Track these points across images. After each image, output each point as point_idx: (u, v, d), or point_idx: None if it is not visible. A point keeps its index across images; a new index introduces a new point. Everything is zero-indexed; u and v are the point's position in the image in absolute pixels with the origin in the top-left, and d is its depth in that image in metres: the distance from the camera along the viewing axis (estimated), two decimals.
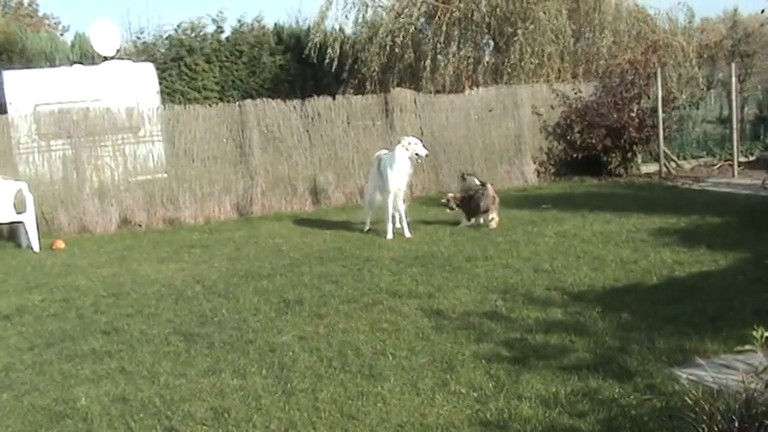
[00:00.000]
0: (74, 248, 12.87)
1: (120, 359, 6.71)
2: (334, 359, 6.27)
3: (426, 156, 12.61)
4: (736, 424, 3.87)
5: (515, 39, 18.88)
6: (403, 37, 20.12)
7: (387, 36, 20.23)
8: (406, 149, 12.15)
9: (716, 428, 3.89)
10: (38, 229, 13.12)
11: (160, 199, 15.29)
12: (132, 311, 8.31)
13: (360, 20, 21.95)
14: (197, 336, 7.22)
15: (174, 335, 7.32)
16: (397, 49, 20.26)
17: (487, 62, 20.28)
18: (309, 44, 21.70)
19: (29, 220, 12.99)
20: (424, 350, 6.35)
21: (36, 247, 12.84)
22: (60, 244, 13.11)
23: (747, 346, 4.14)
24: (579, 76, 19.30)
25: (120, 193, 15.15)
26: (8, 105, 16.11)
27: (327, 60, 21.95)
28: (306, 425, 5.04)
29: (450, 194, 13.17)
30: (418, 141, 12.42)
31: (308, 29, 25.33)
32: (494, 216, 12.28)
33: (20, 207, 13.06)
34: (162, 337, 7.29)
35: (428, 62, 20.08)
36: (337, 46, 21.35)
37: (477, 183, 12.81)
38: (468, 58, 20.17)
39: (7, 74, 17.33)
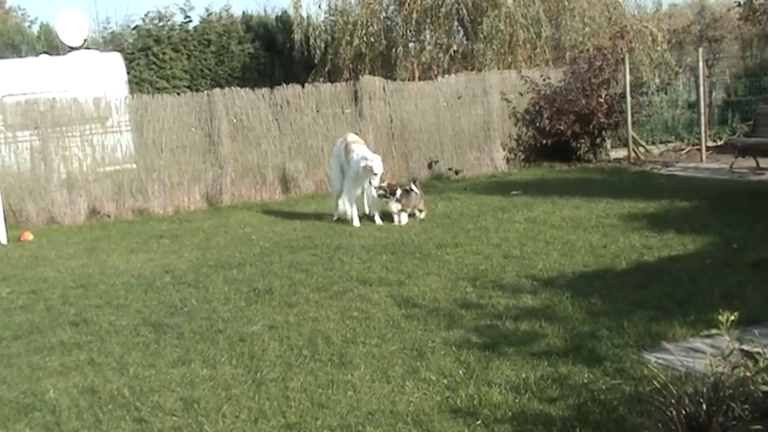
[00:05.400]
0: (42, 240, 12.74)
1: (88, 351, 6.65)
2: (304, 348, 6.25)
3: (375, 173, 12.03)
4: (704, 407, 3.89)
5: (484, 26, 18.89)
6: (374, 25, 20.07)
7: (358, 24, 20.15)
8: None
9: (684, 411, 3.91)
10: (5, 221, 12.96)
11: (129, 189, 15.17)
12: (101, 303, 8.24)
13: (331, 8, 21.86)
14: (166, 326, 7.17)
15: (143, 325, 7.27)
16: (368, 38, 20.19)
17: (456, 50, 20.24)
18: (278, 33, 21.58)
19: None
20: (395, 338, 6.36)
21: (3, 240, 12.68)
22: (28, 236, 12.96)
23: (714, 330, 4.17)
24: (550, 63, 19.34)
25: (89, 183, 15.00)
26: None
27: (298, 49, 21.87)
28: (276, 414, 5.03)
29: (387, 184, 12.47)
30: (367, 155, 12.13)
31: (277, 17, 25.24)
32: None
33: None
34: (131, 327, 7.24)
35: (399, 50, 20.05)
36: (308, 34, 21.27)
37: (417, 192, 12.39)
38: (440, 45, 20.15)
39: None
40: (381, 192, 12.02)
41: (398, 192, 11.96)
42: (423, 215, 12.22)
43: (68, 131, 15.05)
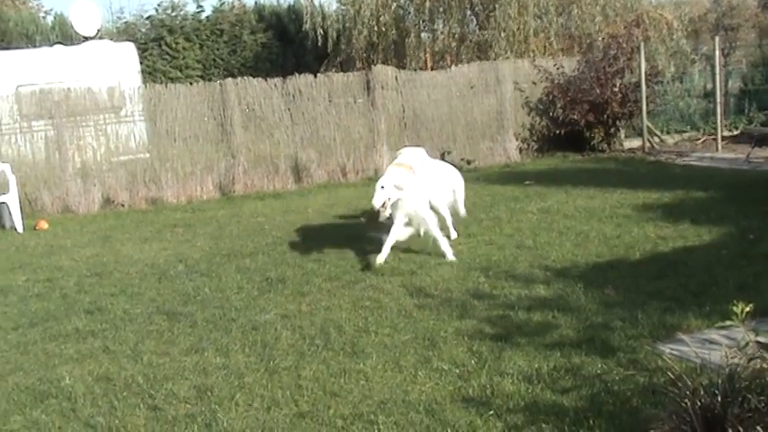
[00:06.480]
0: (57, 229, 12.81)
1: (103, 338, 6.69)
2: (316, 337, 6.27)
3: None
4: (719, 399, 3.86)
5: (497, 15, 18.82)
6: (386, 14, 20.04)
7: (370, 13, 20.12)
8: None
9: (699, 403, 3.88)
10: (21, 210, 13.07)
11: (142, 179, 15.23)
12: (115, 291, 8.29)
13: None
14: (180, 315, 7.20)
15: (156, 314, 7.31)
16: (380, 27, 20.16)
17: (471, 39, 20.18)
18: (291, 22, 21.60)
19: (12, 201, 12.93)
20: (407, 327, 6.36)
21: (19, 228, 12.76)
22: (44, 224, 13.04)
23: (729, 321, 4.14)
24: (564, 52, 19.24)
25: (103, 173, 15.07)
26: None
27: (310, 38, 21.86)
28: (288, 402, 5.04)
29: None
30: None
31: (290, 7, 25.23)
32: None
33: (3, 188, 13.02)
34: (145, 316, 7.28)
35: (411, 39, 20.00)
36: (320, 24, 21.26)
37: None
38: (453, 34, 20.09)
39: None
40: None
41: None
42: None
43: (82, 121, 15.11)
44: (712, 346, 5.14)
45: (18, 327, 7.23)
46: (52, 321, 7.31)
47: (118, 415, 5.06)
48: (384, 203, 8.42)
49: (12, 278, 9.25)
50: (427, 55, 20.33)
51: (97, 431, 4.87)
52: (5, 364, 6.23)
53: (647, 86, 17.63)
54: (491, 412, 4.67)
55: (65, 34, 22.07)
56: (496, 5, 18.92)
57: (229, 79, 16.54)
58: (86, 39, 18.67)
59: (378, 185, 8.53)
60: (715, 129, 17.81)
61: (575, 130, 17.48)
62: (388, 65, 18.09)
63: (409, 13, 20.81)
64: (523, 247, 9.01)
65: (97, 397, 5.38)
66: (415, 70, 18.58)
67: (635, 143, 18.27)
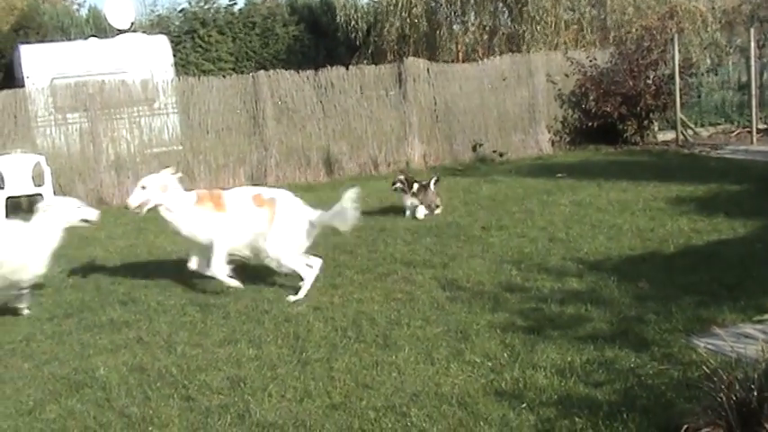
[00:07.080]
0: None
1: (137, 329, 6.77)
2: (348, 329, 6.28)
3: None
4: (755, 393, 3.84)
5: (528, 7, 18.71)
6: (418, 6, 20.00)
7: (402, 5, 20.09)
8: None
9: (734, 397, 3.86)
10: None
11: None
12: (149, 282, 8.37)
13: None
14: (213, 306, 7.25)
15: (190, 305, 7.36)
16: (412, 19, 20.13)
17: (503, 32, 20.09)
18: (323, 14, 21.65)
19: (47, 193, 13.06)
20: (439, 320, 6.35)
21: None
22: None
23: (766, 315, 4.10)
24: (597, 44, 19.10)
25: (136, 165, 15.17)
26: (26, 79, 16.14)
27: (342, 31, 21.87)
28: (321, 394, 5.06)
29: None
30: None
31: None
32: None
33: (38, 180, 13.15)
34: (178, 307, 7.34)
35: (443, 31, 19.95)
36: (352, 16, 21.28)
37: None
38: (484, 27, 20.02)
39: (24, 48, 17.37)
40: (399, 185, 11.47)
41: (415, 186, 11.61)
42: (439, 210, 11.73)
43: (116, 113, 15.23)
44: (748, 341, 5.10)
45: (53, 317, 7.33)
46: (87, 312, 7.41)
47: (152, 405, 5.11)
48: (141, 204, 8.02)
49: (47, 269, 9.35)
50: (459, 47, 20.26)
51: (131, 421, 4.92)
52: (41, 354, 6.32)
53: (681, 79, 17.44)
54: (524, 405, 4.66)
55: (99, 27, 22.25)
56: None
57: (262, 72, 16.59)
58: (120, 32, 18.85)
59: (139, 184, 8.12)
60: (750, 121, 17.59)
61: (607, 122, 17.35)
62: (419, 57, 18.06)
63: (441, 5, 20.73)
64: (556, 239, 8.97)
65: (131, 387, 5.44)
66: (447, 63, 18.52)
67: (668, 136, 18.09)
